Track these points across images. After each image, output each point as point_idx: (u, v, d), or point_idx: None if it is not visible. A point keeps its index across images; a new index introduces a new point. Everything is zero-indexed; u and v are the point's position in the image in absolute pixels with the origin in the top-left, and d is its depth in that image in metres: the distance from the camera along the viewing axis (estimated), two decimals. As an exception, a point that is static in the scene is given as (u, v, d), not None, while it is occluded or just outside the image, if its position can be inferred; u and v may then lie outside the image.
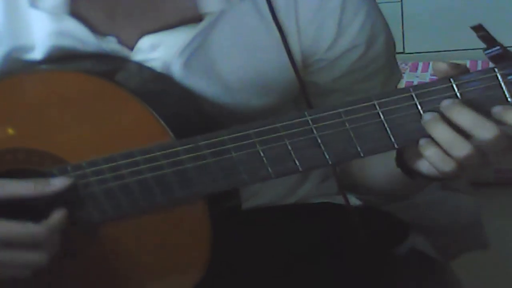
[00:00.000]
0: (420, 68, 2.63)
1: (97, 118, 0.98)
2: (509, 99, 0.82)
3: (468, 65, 0.86)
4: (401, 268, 1.08)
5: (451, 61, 0.85)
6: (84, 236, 0.99)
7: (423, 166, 0.90)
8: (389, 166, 0.96)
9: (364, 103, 0.86)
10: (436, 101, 0.84)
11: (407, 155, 0.92)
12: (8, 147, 1.00)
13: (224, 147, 0.91)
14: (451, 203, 1.25)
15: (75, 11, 1.00)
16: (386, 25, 1.09)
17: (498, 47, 0.82)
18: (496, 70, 0.82)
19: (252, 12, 1.02)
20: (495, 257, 1.76)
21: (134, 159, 0.94)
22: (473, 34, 0.83)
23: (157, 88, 1.02)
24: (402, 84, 1.08)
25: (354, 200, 1.15)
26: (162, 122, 0.94)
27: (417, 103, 0.85)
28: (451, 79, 0.83)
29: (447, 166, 0.85)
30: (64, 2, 0.99)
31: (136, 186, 0.95)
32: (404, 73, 2.58)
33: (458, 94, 0.83)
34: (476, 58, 2.43)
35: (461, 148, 0.83)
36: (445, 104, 0.83)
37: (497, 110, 0.82)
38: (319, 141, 0.88)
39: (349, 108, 0.86)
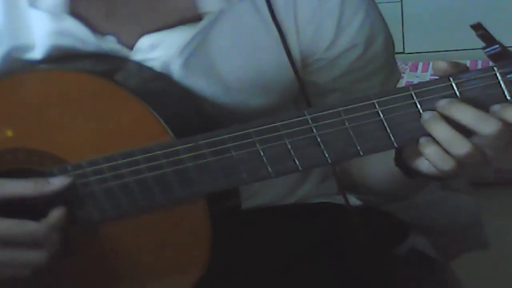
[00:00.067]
0: (420, 68, 2.63)
1: (97, 118, 0.98)
2: (508, 98, 0.82)
3: (468, 65, 0.86)
4: (401, 268, 1.08)
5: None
6: (84, 235, 0.99)
7: (423, 165, 0.90)
8: (388, 165, 0.96)
9: (363, 102, 0.86)
10: (435, 100, 0.84)
11: (406, 154, 0.92)
12: (8, 147, 1.00)
13: (224, 146, 0.91)
14: (451, 203, 1.25)
15: (75, 10, 1.01)
16: (385, 25, 1.09)
17: (497, 46, 0.82)
18: (495, 68, 0.82)
19: (251, 11, 1.02)
20: (495, 257, 1.76)
21: (134, 158, 0.94)
22: (473, 34, 0.83)
23: (157, 88, 1.02)
24: (402, 84, 1.07)
25: (354, 200, 1.15)
26: (162, 122, 0.94)
27: (417, 102, 0.85)
28: (451, 78, 0.83)
29: (447, 164, 0.85)
30: (63, 2, 0.99)
31: (136, 185, 0.95)
32: (404, 73, 2.58)
33: (457, 92, 0.83)
34: (476, 58, 2.43)
35: (461, 146, 0.84)
36: (442, 103, 0.83)
37: (496, 108, 0.82)
38: (319, 140, 0.88)
39: (349, 107, 0.86)
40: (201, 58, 1.02)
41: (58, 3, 0.99)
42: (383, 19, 1.09)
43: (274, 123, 0.89)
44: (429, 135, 0.85)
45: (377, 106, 0.86)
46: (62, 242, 0.97)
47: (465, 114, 0.83)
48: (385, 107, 0.85)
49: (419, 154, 0.87)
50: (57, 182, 0.97)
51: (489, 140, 0.83)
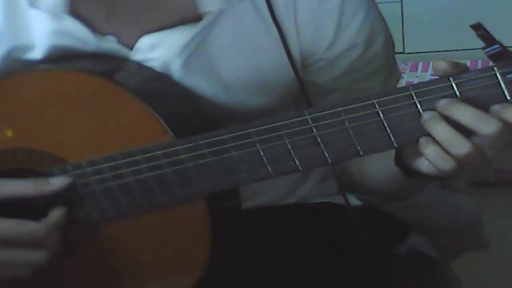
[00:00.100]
0: (420, 68, 2.63)
1: (97, 118, 0.98)
2: (508, 98, 0.82)
3: (468, 65, 0.86)
4: (401, 268, 1.08)
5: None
6: (84, 235, 0.99)
7: (423, 165, 0.90)
8: (388, 165, 0.96)
9: (363, 102, 0.86)
10: (435, 100, 0.84)
11: (406, 154, 0.92)
12: (8, 147, 1.00)
13: (224, 146, 0.91)
14: (451, 203, 1.25)
15: (75, 10, 1.01)
16: (385, 25, 1.09)
17: (497, 46, 0.82)
18: (495, 68, 0.82)
19: (251, 11, 1.02)
20: (495, 257, 1.76)
21: (134, 158, 0.94)
22: (473, 34, 0.83)
23: (157, 88, 1.02)
24: (402, 84, 1.07)
25: (354, 200, 1.15)
26: (162, 122, 0.94)
27: (417, 102, 0.85)
28: (451, 78, 0.83)
29: (447, 164, 0.85)
30: (63, 2, 0.99)
31: (136, 185, 0.95)
32: (404, 73, 2.58)
33: (457, 92, 0.83)
34: (476, 58, 2.43)
35: (461, 146, 0.84)
36: (442, 103, 0.83)
37: (496, 108, 0.82)
38: (319, 140, 0.88)
39: (349, 107, 0.86)
40: (201, 58, 1.02)
41: (58, 3, 0.99)
42: (383, 19, 1.09)
43: (274, 123, 0.89)
44: (429, 135, 0.85)
45: (377, 106, 0.86)
46: (62, 242, 0.97)
47: (465, 114, 0.83)
48: (385, 107, 0.85)
49: (419, 154, 0.87)
50: (57, 182, 0.97)
51: (489, 140, 0.83)
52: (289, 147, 0.89)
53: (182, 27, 1.01)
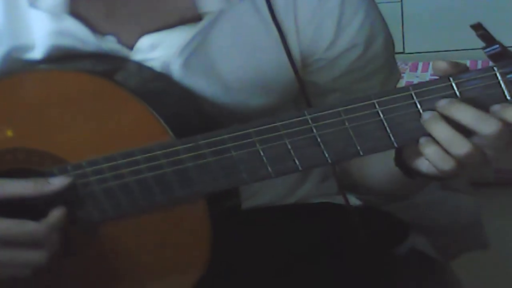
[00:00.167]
0: (420, 68, 2.63)
1: (97, 118, 0.98)
2: (508, 97, 0.82)
3: (468, 65, 0.86)
4: (401, 268, 1.08)
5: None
6: (84, 235, 0.99)
7: (423, 165, 0.90)
8: (387, 165, 0.96)
9: (363, 102, 0.86)
10: (435, 100, 0.84)
11: (406, 154, 0.92)
12: (8, 147, 1.00)
13: (224, 146, 0.91)
14: (451, 203, 1.25)
15: (75, 10, 1.01)
16: (385, 25, 1.09)
17: (497, 46, 0.82)
18: (495, 68, 0.82)
19: (251, 11, 1.02)
20: (495, 257, 1.76)
21: (134, 158, 0.94)
22: (473, 34, 0.83)
23: (157, 88, 1.02)
24: (402, 84, 1.07)
25: (354, 200, 1.15)
26: (162, 122, 0.94)
27: (417, 102, 0.85)
28: (451, 78, 0.83)
29: (447, 164, 0.85)
30: (63, 2, 0.99)
31: (136, 185, 0.95)
32: (404, 73, 2.58)
33: (457, 92, 0.83)
34: (476, 58, 2.43)
35: (461, 146, 0.83)
36: (442, 103, 0.83)
37: (496, 108, 0.82)
38: (319, 140, 0.88)
39: (349, 107, 0.86)
40: (201, 58, 1.02)
41: (58, 3, 0.99)
42: (383, 19, 1.09)
43: (274, 123, 0.89)
44: (429, 135, 0.85)
45: (377, 106, 0.86)
46: (62, 242, 0.97)
47: (465, 114, 0.83)
48: (385, 107, 0.85)
49: (419, 154, 0.87)
50: (57, 182, 0.97)
51: (489, 140, 0.83)
52: (289, 147, 0.89)
53: (182, 27, 1.01)
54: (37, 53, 1.03)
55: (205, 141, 0.91)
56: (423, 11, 2.88)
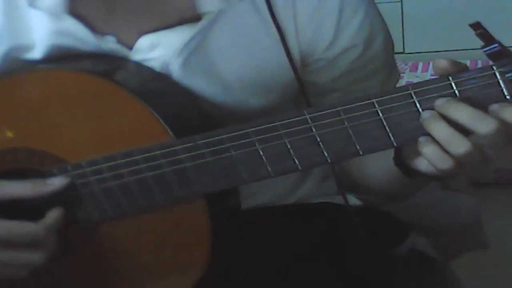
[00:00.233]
0: (420, 68, 2.63)
1: (97, 118, 0.98)
2: (507, 97, 0.82)
3: (468, 65, 0.86)
4: (401, 268, 1.08)
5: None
6: (84, 235, 1.00)
7: (422, 164, 0.90)
8: (387, 164, 0.96)
9: (363, 101, 0.86)
10: (434, 99, 0.84)
11: (405, 153, 0.92)
12: (8, 147, 1.00)
13: (223, 146, 0.91)
14: (451, 203, 1.25)
15: (74, 10, 1.01)
16: (385, 25, 1.09)
17: (496, 45, 0.82)
18: (494, 68, 0.82)
19: (250, 11, 1.02)
20: (495, 257, 1.76)
21: (133, 158, 0.94)
22: (473, 34, 0.83)
23: (157, 88, 1.02)
24: (402, 84, 1.07)
25: (354, 200, 1.15)
26: (162, 122, 0.94)
27: (416, 101, 0.85)
28: (450, 77, 0.83)
29: (446, 163, 0.85)
30: (63, 2, 0.99)
31: (135, 185, 0.95)
32: (404, 73, 2.58)
33: (456, 92, 0.83)
34: (476, 58, 2.43)
35: (460, 145, 0.83)
36: (440, 102, 0.83)
37: (494, 107, 0.82)
38: (318, 139, 0.88)
39: (348, 106, 0.86)
40: (201, 58, 1.02)
41: (57, 3, 0.99)
42: (382, 19, 1.09)
43: (273, 122, 0.89)
44: (428, 134, 0.85)
45: (376, 106, 0.86)
46: (61, 242, 0.97)
47: (462, 113, 0.83)
48: (384, 107, 0.85)
49: (418, 153, 0.87)
50: (56, 183, 0.97)
51: (487, 139, 0.83)
52: (289, 146, 0.89)
53: (182, 27, 1.01)
54: (36, 53, 1.03)
55: (204, 141, 0.91)
56: (423, 11, 2.88)
